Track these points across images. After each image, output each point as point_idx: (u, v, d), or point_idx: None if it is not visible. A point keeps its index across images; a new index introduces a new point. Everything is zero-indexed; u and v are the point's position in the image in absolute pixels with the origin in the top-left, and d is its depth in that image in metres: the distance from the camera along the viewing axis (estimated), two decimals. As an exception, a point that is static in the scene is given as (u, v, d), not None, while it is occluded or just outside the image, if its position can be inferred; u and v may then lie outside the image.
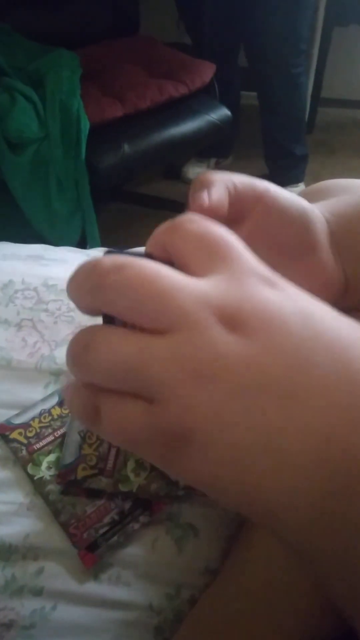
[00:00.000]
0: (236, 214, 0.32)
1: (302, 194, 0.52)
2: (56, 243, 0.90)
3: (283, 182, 2.13)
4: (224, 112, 1.59)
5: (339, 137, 2.57)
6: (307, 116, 2.36)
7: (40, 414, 0.60)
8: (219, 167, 2.33)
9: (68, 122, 1.33)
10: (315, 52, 2.29)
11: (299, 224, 0.33)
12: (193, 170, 2.26)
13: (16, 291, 0.75)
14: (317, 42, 2.26)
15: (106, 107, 1.40)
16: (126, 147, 1.40)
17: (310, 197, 0.50)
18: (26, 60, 1.40)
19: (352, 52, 2.49)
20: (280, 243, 0.34)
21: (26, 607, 0.47)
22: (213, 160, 2.31)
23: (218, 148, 2.23)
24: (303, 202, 0.35)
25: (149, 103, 1.46)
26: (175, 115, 1.52)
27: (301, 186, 2.14)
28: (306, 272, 0.34)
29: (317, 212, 0.35)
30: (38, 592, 0.48)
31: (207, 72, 1.60)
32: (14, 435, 0.58)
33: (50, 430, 0.58)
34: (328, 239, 0.35)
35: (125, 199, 2.06)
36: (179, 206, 1.98)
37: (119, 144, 1.41)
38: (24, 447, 0.57)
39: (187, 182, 2.26)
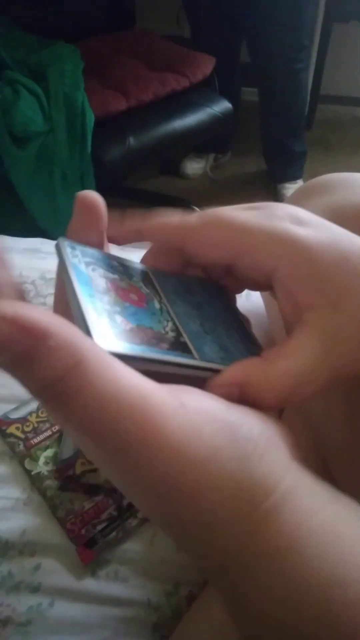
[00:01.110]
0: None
1: (301, 190, 0.52)
2: (59, 238, 0.89)
3: (281, 179, 2.12)
4: (225, 104, 1.58)
5: (337, 134, 2.56)
6: (306, 113, 2.35)
7: (38, 409, 0.59)
8: (217, 163, 2.32)
9: (73, 115, 1.32)
10: (315, 48, 2.28)
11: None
12: (191, 166, 2.25)
13: (14, 284, 0.74)
14: (316, 38, 2.25)
15: (109, 100, 1.39)
16: (131, 140, 1.39)
17: (310, 193, 0.49)
18: (26, 54, 1.38)
19: (352, 49, 2.49)
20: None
21: (22, 603, 0.47)
22: (211, 156, 2.30)
23: (216, 143, 2.23)
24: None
25: (152, 96, 1.45)
26: (178, 108, 1.51)
27: (299, 183, 2.13)
28: None
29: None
30: (35, 589, 0.48)
31: (207, 64, 1.59)
32: (11, 429, 0.57)
33: (47, 425, 0.58)
34: None
35: (121, 195, 2.05)
36: (175, 202, 1.97)
37: (124, 137, 1.40)
38: (21, 442, 0.56)
39: (185, 177, 2.25)
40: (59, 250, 0.25)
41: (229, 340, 0.28)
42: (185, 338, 0.25)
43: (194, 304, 0.28)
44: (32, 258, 0.80)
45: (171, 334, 0.25)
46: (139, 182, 2.17)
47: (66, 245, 0.25)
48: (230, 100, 1.63)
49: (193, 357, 0.24)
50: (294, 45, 1.79)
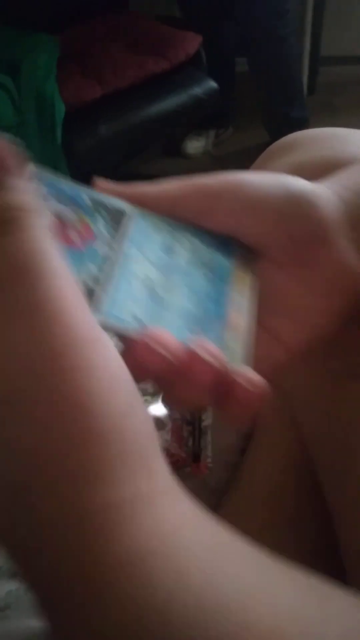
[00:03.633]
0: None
1: (266, 153, 0.50)
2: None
3: (284, 148, 2.07)
4: (209, 84, 1.54)
5: (343, 96, 2.47)
6: (306, 77, 2.28)
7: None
8: (219, 139, 2.28)
9: (43, 107, 1.32)
10: (310, 7, 2.19)
11: (293, 213, 0.27)
12: (192, 145, 2.22)
13: None
14: (312, -2, 2.17)
15: (84, 88, 1.39)
16: (103, 129, 1.39)
17: (274, 154, 0.47)
18: (3, 48, 1.39)
19: (351, 6, 2.38)
20: (267, 242, 0.28)
21: (1, 588, 0.49)
22: (212, 132, 2.26)
23: (216, 119, 2.18)
24: (296, 184, 0.28)
25: (129, 82, 1.43)
26: (155, 93, 1.48)
27: (305, 151, 2.08)
28: (315, 273, 0.27)
29: (324, 191, 0.28)
30: (14, 573, 0.49)
31: (192, 43, 1.55)
32: None
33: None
34: (346, 224, 0.27)
35: (120, 180, 2.04)
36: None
37: (96, 125, 1.39)
38: None
39: (187, 157, 2.22)
40: None
41: (189, 305, 0.25)
42: (101, 289, 0.23)
43: (167, 256, 0.26)
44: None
45: (85, 283, 0.23)
46: (141, 165, 2.15)
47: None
48: (224, 74, 1.60)
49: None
50: (275, 11, 1.74)
